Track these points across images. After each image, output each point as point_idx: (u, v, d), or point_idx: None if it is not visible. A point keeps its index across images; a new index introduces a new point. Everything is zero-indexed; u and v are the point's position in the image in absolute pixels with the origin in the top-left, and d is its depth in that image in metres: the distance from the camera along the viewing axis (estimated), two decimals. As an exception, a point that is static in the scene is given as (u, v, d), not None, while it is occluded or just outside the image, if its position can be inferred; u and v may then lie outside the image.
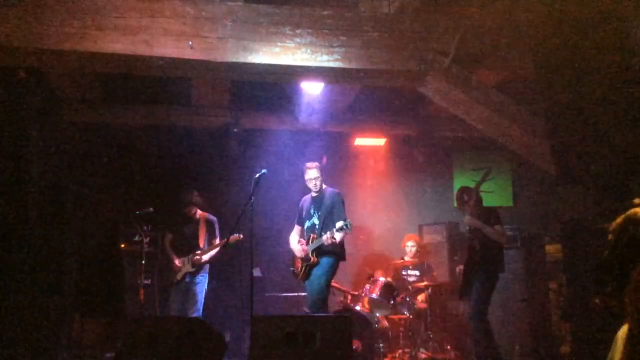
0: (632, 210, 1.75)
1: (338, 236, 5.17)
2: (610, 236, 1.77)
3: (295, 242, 5.63)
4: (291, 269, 5.61)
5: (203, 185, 6.79)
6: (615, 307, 1.68)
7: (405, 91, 6.19)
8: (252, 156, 7.16)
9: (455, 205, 5.97)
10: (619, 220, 1.76)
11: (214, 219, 6.22)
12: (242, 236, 5.63)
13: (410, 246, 6.84)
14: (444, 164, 7.90)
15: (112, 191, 7.04)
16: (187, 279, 5.95)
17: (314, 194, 5.58)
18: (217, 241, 6.11)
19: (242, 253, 5.92)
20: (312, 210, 5.54)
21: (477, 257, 5.30)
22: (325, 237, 5.15)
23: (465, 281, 5.34)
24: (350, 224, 5.09)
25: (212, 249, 5.98)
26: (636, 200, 1.76)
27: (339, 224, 5.19)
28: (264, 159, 6.54)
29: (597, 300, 1.78)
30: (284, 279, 6.01)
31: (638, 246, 1.66)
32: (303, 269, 5.40)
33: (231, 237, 5.52)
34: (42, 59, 4.78)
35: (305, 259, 5.38)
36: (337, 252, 5.33)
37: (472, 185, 5.69)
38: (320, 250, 5.29)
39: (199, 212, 6.20)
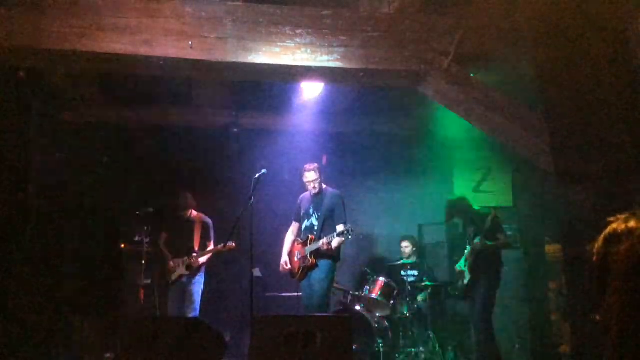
0: (609, 228, 1.75)
1: (336, 242, 5.15)
2: (594, 257, 1.77)
3: (288, 245, 5.61)
4: (287, 268, 5.58)
5: (203, 186, 6.79)
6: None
7: (405, 91, 6.18)
8: (252, 156, 7.16)
9: (445, 220, 6.04)
10: (599, 241, 1.76)
11: (210, 221, 6.23)
12: (234, 245, 5.67)
13: (404, 247, 6.86)
14: (444, 164, 7.90)
15: (112, 191, 7.04)
16: (184, 280, 5.95)
17: (313, 192, 5.57)
18: (212, 243, 6.12)
19: (242, 253, 5.93)
20: (311, 210, 5.51)
21: (481, 261, 5.34)
22: (322, 243, 5.13)
23: (470, 283, 5.38)
24: (351, 231, 5.03)
25: (206, 254, 5.99)
26: (611, 219, 1.77)
27: (340, 228, 5.16)
28: (264, 159, 6.53)
29: (597, 317, 1.78)
30: (284, 279, 6.00)
31: (625, 261, 1.66)
32: (300, 270, 5.38)
33: (227, 244, 5.54)
34: (42, 59, 4.77)
35: (302, 260, 5.36)
36: (334, 254, 5.33)
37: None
38: (318, 252, 5.27)
39: (195, 213, 6.20)
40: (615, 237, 1.70)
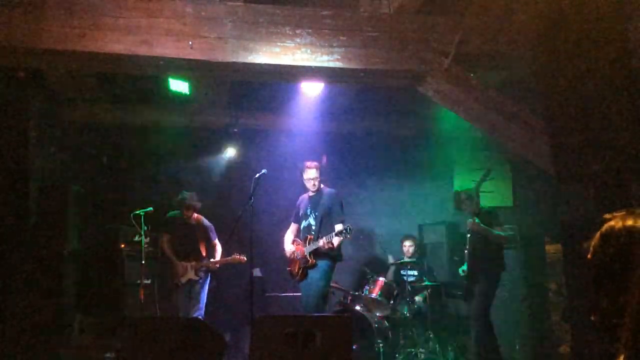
0: (606, 226, 1.71)
1: (336, 241, 5.15)
2: (590, 255, 1.74)
3: (289, 242, 5.61)
4: (287, 269, 5.59)
5: (203, 186, 6.79)
6: (612, 324, 1.65)
7: (405, 91, 6.18)
8: (252, 156, 7.16)
9: (455, 206, 6.00)
10: (595, 240, 1.73)
11: (210, 224, 6.26)
12: (245, 259, 5.72)
13: (408, 246, 6.85)
14: (444, 164, 7.89)
15: (112, 191, 7.04)
16: (191, 282, 5.98)
17: (311, 193, 5.55)
18: (217, 243, 6.16)
19: (242, 253, 5.93)
20: (308, 210, 5.50)
21: (480, 258, 5.34)
22: (322, 242, 5.12)
23: (469, 282, 5.38)
24: (350, 229, 5.03)
25: (222, 262, 6.04)
26: (607, 216, 1.73)
27: (338, 227, 5.16)
28: (264, 159, 6.53)
29: (592, 318, 1.74)
30: (284, 279, 6.00)
31: (623, 260, 1.63)
32: (300, 270, 5.37)
33: (238, 256, 5.61)
34: (42, 59, 4.77)
35: (302, 260, 5.35)
36: (334, 254, 5.32)
37: (471, 185, 5.70)
38: (317, 252, 5.27)
39: (195, 215, 6.20)
40: (612, 235, 1.67)
